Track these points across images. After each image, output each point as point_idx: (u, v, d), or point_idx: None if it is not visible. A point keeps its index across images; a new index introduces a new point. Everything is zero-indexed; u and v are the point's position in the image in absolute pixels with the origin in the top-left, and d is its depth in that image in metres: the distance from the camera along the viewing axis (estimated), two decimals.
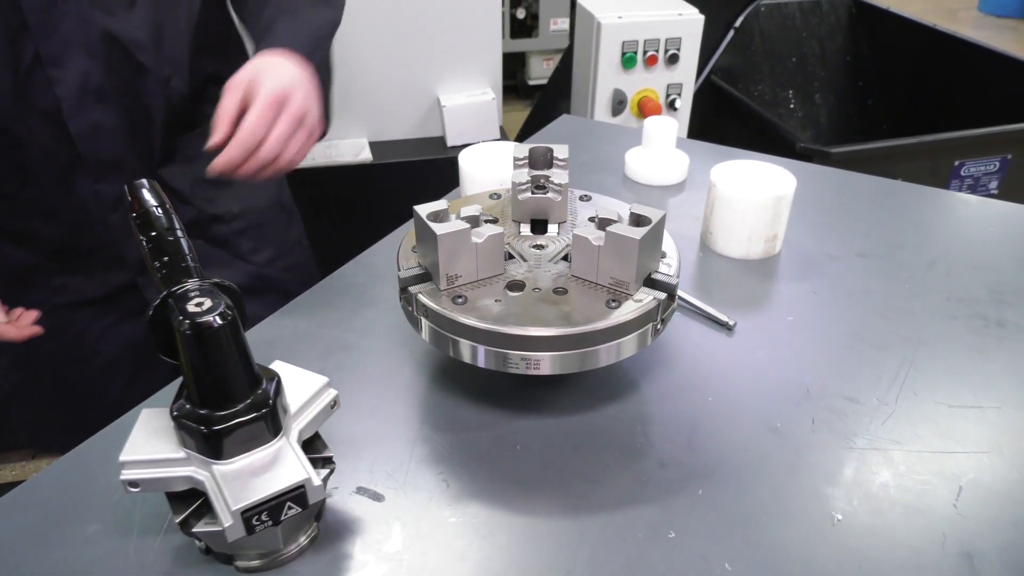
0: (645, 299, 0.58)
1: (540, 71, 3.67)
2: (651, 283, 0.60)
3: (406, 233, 0.67)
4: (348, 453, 0.60)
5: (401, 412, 0.64)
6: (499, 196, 0.73)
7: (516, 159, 0.69)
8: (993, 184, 1.77)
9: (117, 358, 0.97)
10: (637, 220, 0.59)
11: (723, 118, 1.94)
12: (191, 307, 0.44)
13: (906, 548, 0.52)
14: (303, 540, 0.53)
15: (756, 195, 0.80)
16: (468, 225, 0.59)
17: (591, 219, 0.67)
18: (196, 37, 0.86)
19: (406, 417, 0.64)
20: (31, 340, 0.93)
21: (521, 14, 3.45)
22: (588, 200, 0.71)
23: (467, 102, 1.77)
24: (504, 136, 1.87)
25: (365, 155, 1.72)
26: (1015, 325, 0.74)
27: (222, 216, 0.94)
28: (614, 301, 0.58)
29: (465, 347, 0.58)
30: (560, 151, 0.69)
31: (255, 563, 0.51)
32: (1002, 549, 0.52)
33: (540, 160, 0.69)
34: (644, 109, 1.58)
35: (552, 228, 0.68)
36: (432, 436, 0.62)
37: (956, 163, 1.70)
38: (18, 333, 0.88)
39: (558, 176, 0.67)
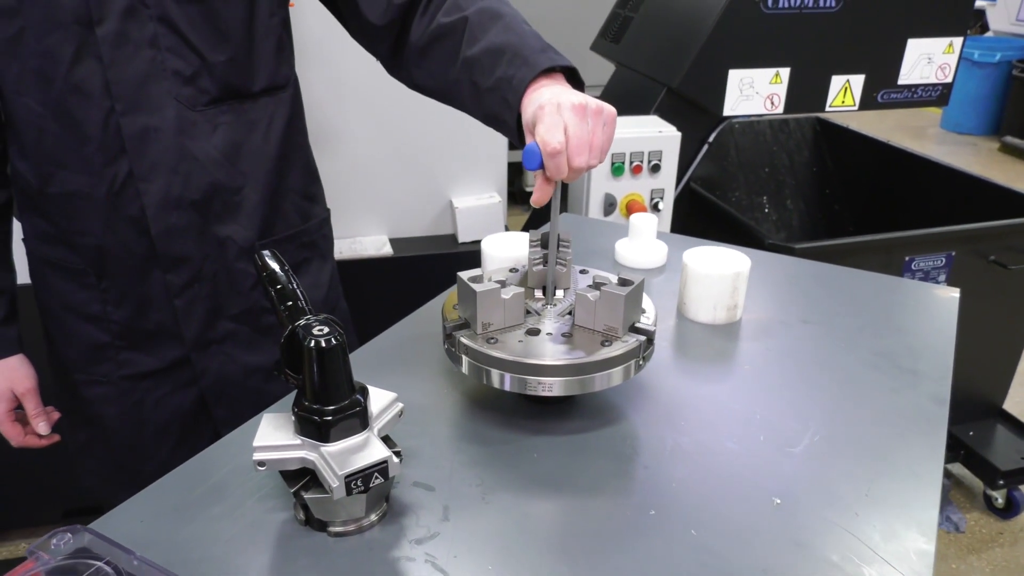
0: (630, 340, 0.79)
1: None
2: (635, 330, 0.80)
3: (445, 299, 0.87)
4: (406, 459, 0.78)
5: (444, 432, 0.83)
6: (517, 270, 0.94)
7: (531, 240, 0.90)
8: (942, 277, 1.99)
9: (167, 424, 1.12)
10: (623, 282, 0.80)
11: (701, 220, 2.19)
12: (315, 332, 0.64)
13: (828, 522, 0.70)
14: (374, 517, 0.70)
15: (718, 271, 1.02)
16: (498, 285, 0.79)
17: (589, 285, 0.88)
18: (276, 155, 1.05)
19: (448, 435, 0.82)
20: (96, 405, 1.10)
21: None
22: (586, 273, 0.92)
23: (476, 204, 2.02)
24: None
25: (387, 250, 1.95)
26: (924, 373, 0.93)
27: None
28: (607, 342, 0.78)
29: (496, 375, 0.77)
30: (565, 235, 0.90)
31: (344, 528, 0.68)
32: (901, 523, 0.70)
33: (548, 241, 0.91)
34: (631, 210, 1.82)
35: (559, 292, 0.89)
36: (468, 447, 0.80)
37: (907, 258, 1.93)
38: (38, 442, 1.12)
39: (563, 253, 0.88)
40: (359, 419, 0.66)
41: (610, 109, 0.80)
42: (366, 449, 0.66)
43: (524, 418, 0.85)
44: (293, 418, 0.66)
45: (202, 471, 0.77)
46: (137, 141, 0.94)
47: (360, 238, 2.00)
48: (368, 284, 1.94)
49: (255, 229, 1.06)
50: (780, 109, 1.97)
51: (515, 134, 0.89)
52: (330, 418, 0.64)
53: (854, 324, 1.05)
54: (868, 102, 2.02)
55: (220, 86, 0.98)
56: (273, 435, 0.67)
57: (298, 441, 0.66)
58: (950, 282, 2.01)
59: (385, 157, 1.97)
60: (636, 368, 0.80)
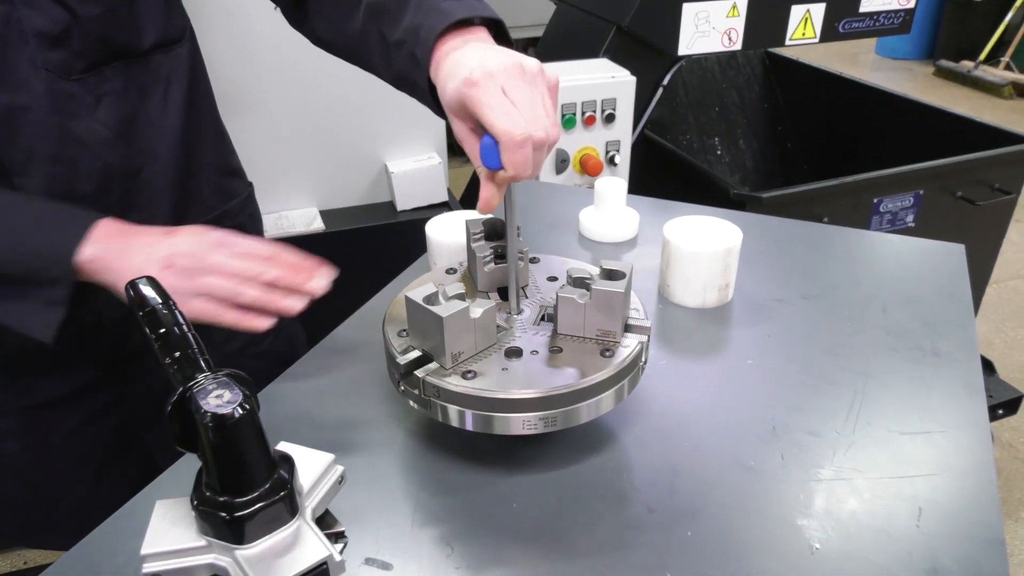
0: (632, 344, 0.64)
1: None
2: (629, 329, 0.66)
3: (384, 319, 0.70)
4: (352, 524, 0.62)
5: (397, 480, 0.67)
6: (455, 270, 0.77)
7: (473, 233, 0.73)
8: (910, 218, 1.90)
9: (82, 459, 0.94)
10: (610, 275, 0.65)
11: (659, 169, 2.04)
12: (212, 400, 0.47)
13: (878, 569, 0.57)
14: None
15: (707, 248, 0.87)
16: (466, 304, 0.62)
17: (550, 279, 0.73)
18: (179, 125, 0.86)
19: (403, 484, 0.66)
20: None
21: None
22: (537, 262, 0.76)
23: (414, 167, 1.82)
24: (451, 197, 1.92)
25: (317, 224, 1.75)
26: (948, 354, 0.81)
27: None
28: (607, 351, 0.63)
29: (499, 420, 0.61)
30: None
31: None
32: (962, 562, 0.58)
33: (497, 231, 0.74)
34: (586, 166, 1.65)
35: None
36: (430, 501, 0.64)
37: (875, 200, 1.83)
38: None
39: (516, 244, 0.71)
40: (284, 505, 0.50)
41: (552, 72, 0.63)
42: (297, 547, 0.49)
43: (493, 453, 0.69)
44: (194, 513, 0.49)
45: (96, 556, 0.60)
46: (2, 126, 0.73)
47: (286, 212, 1.79)
48: None
49: (165, 218, 0.87)
50: (738, 45, 1.81)
51: (430, 101, 0.71)
52: (243, 512, 0.48)
53: (858, 296, 0.92)
54: (829, 33, 1.88)
55: (99, 46, 0.77)
56: (169, 534, 0.50)
57: (203, 542, 0.49)
58: (918, 222, 1.92)
59: (307, 119, 1.74)
60: (640, 373, 0.66)
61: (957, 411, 0.73)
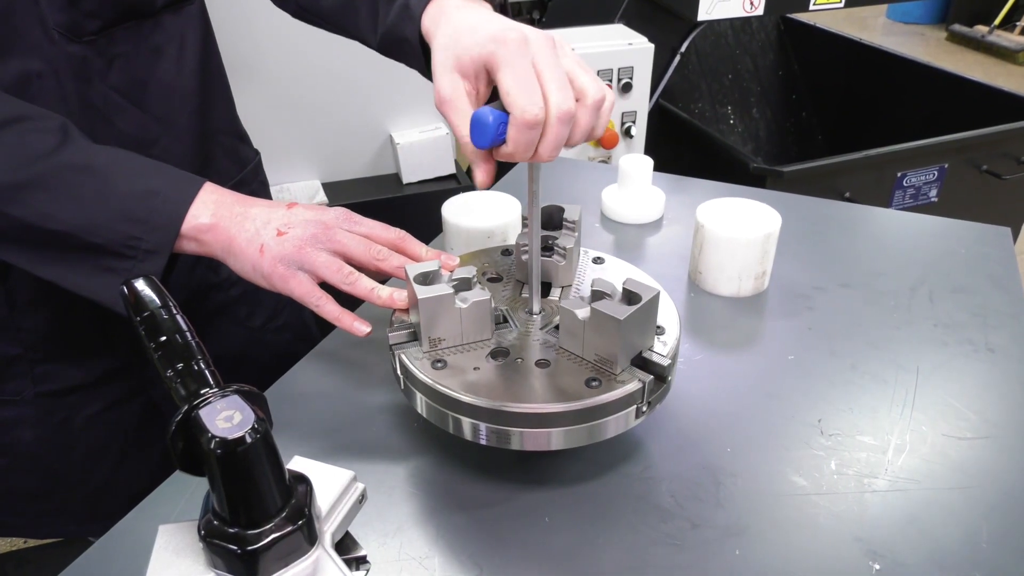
0: (629, 381, 0.57)
1: None
2: (641, 362, 0.59)
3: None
4: (371, 542, 0.57)
5: (417, 491, 0.62)
6: (510, 253, 0.72)
7: (524, 218, 0.67)
8: (933, 192, 1.84)
9: (102, 445, 0.90)
10: (628, 297, 0.58)
11: (674, 141, 1.97)
12: (220, 423, 0.41)
13: None
14: None
15: (745, 234, 0.81)
16: (451, 290, 0.58)
17: (593, 289, 0.67)
18: (196, 89, 0.81)
19: (424, 497, 0.62)
20: (6, 429, 0.86)
21: None
22: (601, 263, 0.70)
23: (420, 138, 1.75)
24: (459, 169, 1.86)
25: (320, 197, 1.69)
26: (1004, 350, 0.76)
27: (221, 283, 0.89)
28: (595, 380, 0.57)
29: (437, 412, 0.58)
30: (571, 212, 0.68)
31: None
32: None
33: (550, 220, 0.68)
34: (601, 138, 1.59)
35: (556, 292, 0.67)
36: (454, 516, 0.60)
37: (899, 174, 1.77)
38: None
39: (565, 239, 0.65)
40: (302, 534, 0.45)
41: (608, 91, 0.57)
42: None
43: (518, 463, 0.64)
44: (202, 544, 0.44)
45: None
46: (15, 90, 0.68)
47: (287, 185, 1.73)
48: None
49: None
50: (760, 10, 1.73)
51: (420, 60, 0.68)
52: (255, 546, 0.43)
53: (902, 285, 0.86)
54: None
55: (111, 4, 0.71)
56: (174, 565, 0.45)
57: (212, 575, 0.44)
58: (941, 197, 1.86)
59: (309, 88, 1.67)
60: (637, 416, 0.58)
61: (1018, 414, 0.68)
